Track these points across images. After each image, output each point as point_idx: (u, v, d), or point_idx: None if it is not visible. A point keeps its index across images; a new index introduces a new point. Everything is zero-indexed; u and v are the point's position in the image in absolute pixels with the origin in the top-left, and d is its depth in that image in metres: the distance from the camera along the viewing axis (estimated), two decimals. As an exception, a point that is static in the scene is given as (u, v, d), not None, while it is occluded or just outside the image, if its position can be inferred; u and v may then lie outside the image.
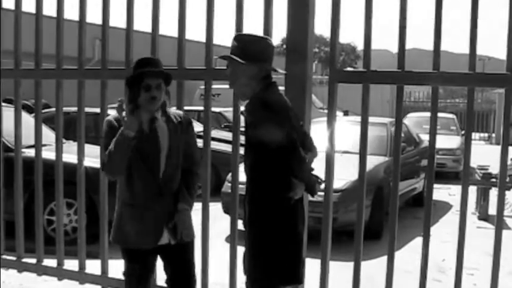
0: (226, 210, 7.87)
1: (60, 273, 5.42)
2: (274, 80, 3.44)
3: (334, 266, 4.46)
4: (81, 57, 5.18)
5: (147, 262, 3.84)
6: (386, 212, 7.40)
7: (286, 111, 3.37)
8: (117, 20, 6.74)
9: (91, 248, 5.59)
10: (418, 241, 4.54)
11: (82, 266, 5.34)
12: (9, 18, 5.38)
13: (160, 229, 3.71)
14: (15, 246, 5.62)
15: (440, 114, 13.35)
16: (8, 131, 5.81)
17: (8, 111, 5.80)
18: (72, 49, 5.20)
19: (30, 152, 5.62)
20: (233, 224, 4.65)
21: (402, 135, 4.31)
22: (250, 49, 3.34)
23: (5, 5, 5.60)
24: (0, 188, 5.63)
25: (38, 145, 5.44)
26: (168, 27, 5.13)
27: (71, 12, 5.41)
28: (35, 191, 5.44)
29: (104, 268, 5.19)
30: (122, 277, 3.91)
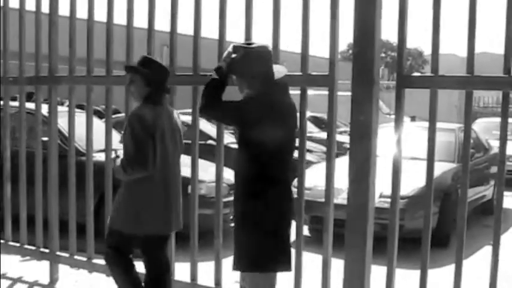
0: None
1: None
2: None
3: (400, 273, 4.38)
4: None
5: None
6: (454, 220, 7.23)
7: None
8: (185, 27, 6.81)
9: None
10: (487, 250, 4.41)
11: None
12: (81, 26, 5.52)
13: None
14: (86, 247, 5.75)
15: (511, 120, 12.95)
16: (80, 136, 5.97)
17: (80, 117, 5.95)
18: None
19: (101, 156, 5.76)
20: (298, 230, 4.62)
21: (471, 141, 4.19)
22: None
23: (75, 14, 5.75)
24: (67, 190, 5.79)
25: (108, 149, 5.56)
26: (236, 34, 5.17)
27: (140, 20, 5.51)
28: (105, 194, 5.56)
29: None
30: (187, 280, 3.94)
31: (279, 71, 3.80)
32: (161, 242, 4.50)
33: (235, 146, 3.81)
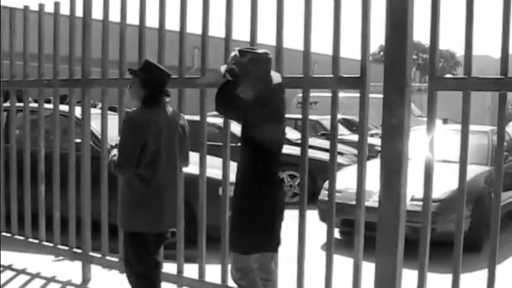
0: (322, 218, 7.82)
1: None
2: None
3: (432, 277, 4.32)
4: (182, 66, 5.28)
5: None
6: (487, 224, 7.13)
7: None
8: (216, 29, 6.82)
9: (187, 252, 5.67)
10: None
11: (180, 270, 5.44)
12: (114, 28, 5.57)
13: None
14: (118, 248, 5.78)
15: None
16: (113, 138, 6.00)
17: (113, 119, 6.00)
18: (172, 58, 5.32)
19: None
20: (329, 233, 4.60)
21: (504, 143, 4.12)
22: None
23: (112, 18, 5.81)
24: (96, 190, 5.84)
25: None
26: (267, 35, 5.15)
27: (171, 23, 5.55)
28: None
29: (201, 272, 5.27)
30: (218, 281, 3.95)
31: (277, 75, 4.21)
32: (152, 241, 4.49)
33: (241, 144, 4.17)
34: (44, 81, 6.33)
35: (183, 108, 5.25)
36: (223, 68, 4.14)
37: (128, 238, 4.44)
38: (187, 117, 5.41)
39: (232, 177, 5.59)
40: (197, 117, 5.31)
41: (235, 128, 11.09)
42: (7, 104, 7.16)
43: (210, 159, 5.46)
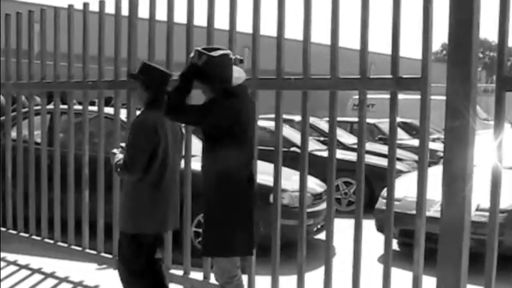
0: (380, 228, 7.74)
1: (207, 286, 5.56)
2: None
3: (499, 293, 4.22)
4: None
5: None
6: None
7: None
8: (268, 28, 6.83)
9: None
10: None
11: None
12: (160, 28, 5.63)
13: None
14: (163, 258, 5.83)
15: None
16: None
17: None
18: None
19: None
20: (387, 244, 4.54)
21: None
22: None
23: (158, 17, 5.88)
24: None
25: (187, 156, 5.64)
26: (321, 34, 5.14)
27: (220, 22, 5.57)
28: (184, 202, 5.65)
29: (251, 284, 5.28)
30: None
31: (239, 76, 4.24)
32: (156, 242, 4.65)
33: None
34: (89, 83, 6.45)
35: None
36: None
37: (128, 239, 4.55)
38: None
39: (284, 184, 5.61)
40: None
41: (288, 132, 11.21)
42: (51, 106, 7.31)
43: (261, 165, 5.47)
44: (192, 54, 4.24)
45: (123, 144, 4.71)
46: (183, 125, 4.91)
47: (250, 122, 4.37)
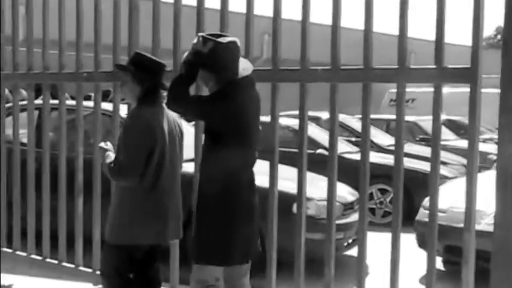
0: (421, 244, 7.72)
1: None
2: None
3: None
4: (248, 55, 5.31)
5: None
6: None
7: None
8: (290, 11, 6.84)
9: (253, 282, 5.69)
10: None
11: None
12: (166, 10, 5.64)
13: None
14: (170, 275, 5.86)
15: None
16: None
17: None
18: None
19: (188, 167, 5.82)
20: (431, 262, 4.54)
21: None
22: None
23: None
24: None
25: (197, 158, 5.65)
26: (353, 18, 5.14)
27: (236, 3, 5.59)
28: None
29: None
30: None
31: (246, 67, 4.38)
32: (152, 254, 4.76)
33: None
34: (83, 74, 6.46)
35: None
36: (184, 57, 4.38)
37: (117, 251, 4.59)
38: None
39: (310, 191, 5.62)
40: (267, 118, 5.33)
41: (314, 131, 11.21)
42: (39, 101, 7.29)
43: (283, 169, 5.48)
44: (195, 41, 4.32)
45: (104, 144, 4.76)
46: (183, 123, 4.99)
47: (255, 119, 4.45)
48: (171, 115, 4.75)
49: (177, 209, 4.78)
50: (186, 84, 4.33)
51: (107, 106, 6.89)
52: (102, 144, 4.79)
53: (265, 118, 5.54)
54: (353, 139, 12.70)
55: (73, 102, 6.92)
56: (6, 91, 7.47)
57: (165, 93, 4.68)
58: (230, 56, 4.28)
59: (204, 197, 4.33)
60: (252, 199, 4.40)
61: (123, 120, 6.45)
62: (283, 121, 8.99)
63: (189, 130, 5.67)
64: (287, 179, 5.71)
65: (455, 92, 15.75)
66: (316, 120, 12.87)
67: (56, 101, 6.87)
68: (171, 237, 4.80)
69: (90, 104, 6.67)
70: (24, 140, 7.19)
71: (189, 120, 6.52)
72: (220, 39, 4.25)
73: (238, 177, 4.30)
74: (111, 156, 4.57)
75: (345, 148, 11.55)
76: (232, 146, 4.23)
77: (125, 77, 4.68)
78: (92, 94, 6.52)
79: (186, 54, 4.39)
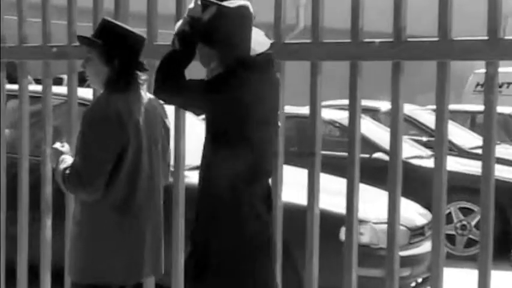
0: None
1: None
2: None
3: None
4: (279, 24, 5.32)
5: None
6: None
7: None
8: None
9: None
10: None
11: None
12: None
13: None
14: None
15: None
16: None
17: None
18: (266, 13, 5.38)
19: (191, 177, 5.89)
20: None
21: None
22: None
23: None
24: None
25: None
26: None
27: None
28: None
29: None
30: None
31: (261, 41, 4.38)
32: None
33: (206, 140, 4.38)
34: (52, 49, 6.48)
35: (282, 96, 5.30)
36: (177, 27, 4.41)
37: None
38: (288, 109, 5.47)
39: (364, 211, 5.61)
40: (304, 110, 5.35)
41: (369, 129, 11.19)
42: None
43: (326, 180, 5.49)
44: (191, 5, 4.31)
45: (60, 145, 4.80)
46: (169, 121, 5.01)
47: (273, 112, 4.50)
48: (152, 104, 4.76)
49: (157, 232, 4.78)
50: (180, 65, 4.32)
51: (84, 93, 6.90)
52: (56, 145, 4.79)
53: (300, 109, 5.57)
54: (424, 139, 12.70)
55: (38, 88, 6.94)
56: None
57: (143, 76, 4.71)
58: (239, 26, 4.27)
59: (208, 216, 4.33)
60: (266, 224, 4.42)
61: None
62: (326, 114, 8.96)
63: (194, 127, 5.69)
64: (332, 194, 5.72)
65: None
66: (373, 112, 12.86)
67: (14, 86, 6.91)
68: (147, 273, 4.82)
69: (62, 89, 6.69)
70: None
71: (198, 114, 6.56)
72: (226, 3, 4.22)
73: (250, 191, 4.31)
74: (68, 160, 4.58)
75: (413, 151, 11.54)
76: (239, 149, 4.25)
77: (90, 52, 4.68)
78: (65, 76, 6.53)
79: (179, 23, 4.38)
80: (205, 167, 4.36)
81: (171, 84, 4.27)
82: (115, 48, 4.58)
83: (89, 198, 4.49)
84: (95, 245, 4.54)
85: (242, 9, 4.25)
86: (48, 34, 6.49)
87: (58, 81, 7.23)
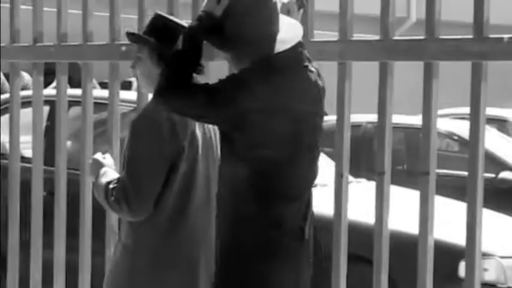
0: None
1: None
2: None
3: None
4: (386, 20, 5.27)
5: None
6: None
7: None
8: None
9: None
10: None
11: None
12: None
13: None
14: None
15: None
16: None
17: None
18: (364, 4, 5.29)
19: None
20: None
21: None
22: None
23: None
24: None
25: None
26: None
27: None
28: None
29: None
30: None
31: (294, 35, 4.22)
32: None
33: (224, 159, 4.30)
34: (121, 48, 6.48)
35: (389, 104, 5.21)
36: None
37: None
38: (395, 118, 5.39)
39: (489, 244, 5.49)
40: (415, 120, 5.26)
41: (495, 141, 11.11)
42: (50, 91, 7.43)
43: (440, 204, 5.40)
44: None
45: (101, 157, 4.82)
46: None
47: (311, 121, 4.33)
48: None
49: (210, 256, 4.67)
50: (189, 65, 4.27)
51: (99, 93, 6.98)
52: (97, 155, 4.83)
53: (411, 118, 5.43)
54: None
55: (104, 93, 6.96)
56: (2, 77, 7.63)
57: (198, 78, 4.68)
58: (264, 15, 4.18)
59: (233, 249, 4.25)
60: (307, 253, 4.37)
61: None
62: (442, 124, 8.87)
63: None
64: (449, 221, 5.62)
65: None
66: (499, 122, 12.74)
67: (76, 91, 6.94)
68: None
69: (131, 95, 6.72)
70: (27, 153, 7.29)
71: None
72: None
73: (280, 219, 4.20)
74: (110, 174, 4.62)
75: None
76: (265, 164, 4.13)
77: (140, 51, 4.69)
78: (134, 80, 6.57)
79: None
80: (224, 185, 4.26)
81: (174, 88, 4.20)
82: (168, 46, 4.54)
83: (134, 219, 4.54)
84: (134, 271, 4.61)
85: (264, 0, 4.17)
86: (116, 30, 6.50)
87: (126, 85, 7.24)
